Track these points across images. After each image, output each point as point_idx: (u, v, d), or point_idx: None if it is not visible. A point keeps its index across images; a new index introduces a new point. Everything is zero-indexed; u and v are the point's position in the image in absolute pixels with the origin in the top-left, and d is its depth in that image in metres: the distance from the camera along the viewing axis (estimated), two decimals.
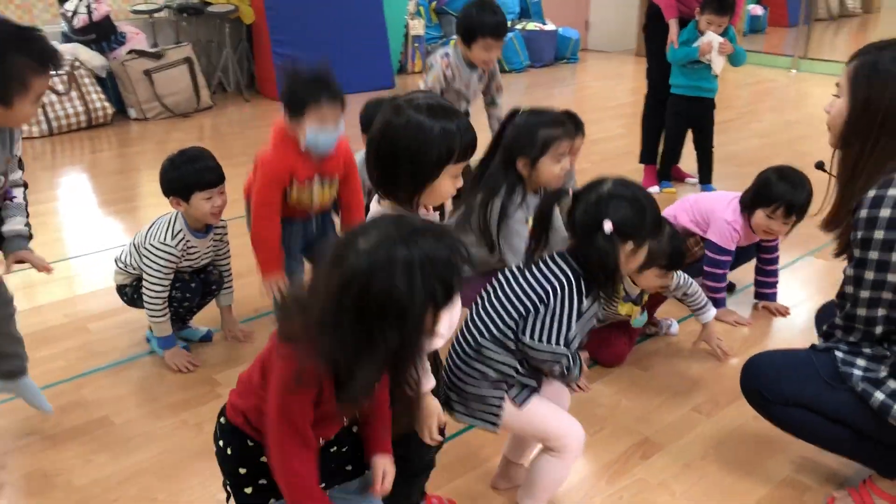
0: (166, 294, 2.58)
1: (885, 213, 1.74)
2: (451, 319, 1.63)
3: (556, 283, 1.77)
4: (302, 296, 1.35)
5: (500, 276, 1.88)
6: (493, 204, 2.40)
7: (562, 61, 8.33)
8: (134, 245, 2.65)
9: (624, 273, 1.86)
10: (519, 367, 1.79)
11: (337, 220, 2.91)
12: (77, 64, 5.58)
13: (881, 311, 1.81)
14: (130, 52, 5.84)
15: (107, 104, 5.67)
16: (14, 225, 2.15)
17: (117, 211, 4.22)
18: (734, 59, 3.96)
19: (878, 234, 1.75)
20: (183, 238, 2.56)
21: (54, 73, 1.91)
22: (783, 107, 6.69)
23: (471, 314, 1.86)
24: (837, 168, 1.94)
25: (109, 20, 5.85)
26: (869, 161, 1.83)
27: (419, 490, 1.87)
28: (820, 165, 2.10)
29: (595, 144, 5.12)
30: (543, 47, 8.07)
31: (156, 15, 6.35)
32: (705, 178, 4.25)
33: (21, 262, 2.17)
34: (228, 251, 2.79)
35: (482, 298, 1.86)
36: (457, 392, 1.83)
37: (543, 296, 1.77)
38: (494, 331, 1.78)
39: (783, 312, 3.05)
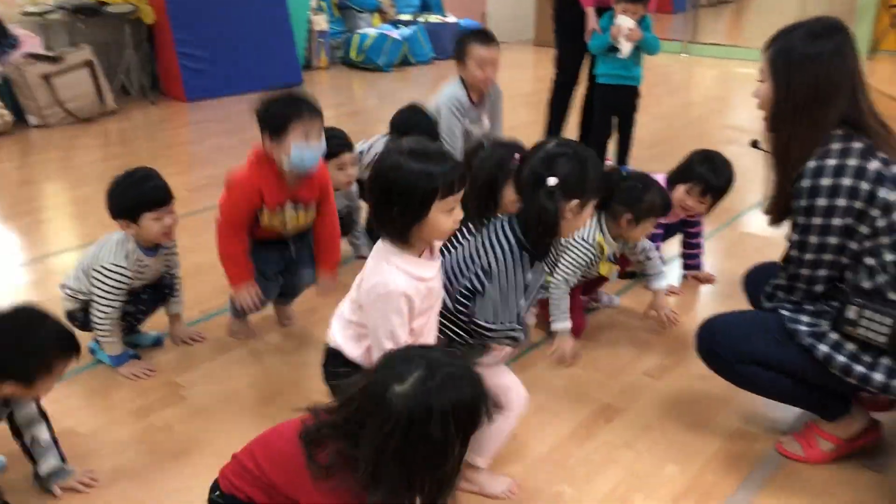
0: (118, 315, 2.53)
1: (825, 181, 1.92)
2: None
3: (500, 254, 1.89)
4: (334, 432, 1.42)
5: (451, 245, 1.98)
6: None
7: None
8: (82, 269, 2.56)
9: (569, 233, 2.00)
10: (469, 337, 1.92)
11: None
12: None
13: (822, 272, 1.99)
14: (26, 56, 5.58)
15: (4, 111, 5.41)
16: (49, 463, 2.06)
17: (22, 225, 4.03)
18: (646, 47, 4.14)
19: (821, 202, 1.93)
20: (136, 257, 2.52)
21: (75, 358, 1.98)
22: (678, 90, 7.03)
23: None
24: (772, 147, 2.09)
25: (0, 23, 5.58)
26: (798, 139, 2.00)
27: None
28: (755, 144, 2.28)
29: (505, 132, 5.26)
30: (446, 39, 8.17)
31: (48, 16, 6.08)
32: (622, 161, 4.46)
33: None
34: (178, 262, 2.74)
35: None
36: None
37: (487, 267, 1.89)
38: (448, 307, 1.91)
39: (710, 280, 3.27)
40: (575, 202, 1.89)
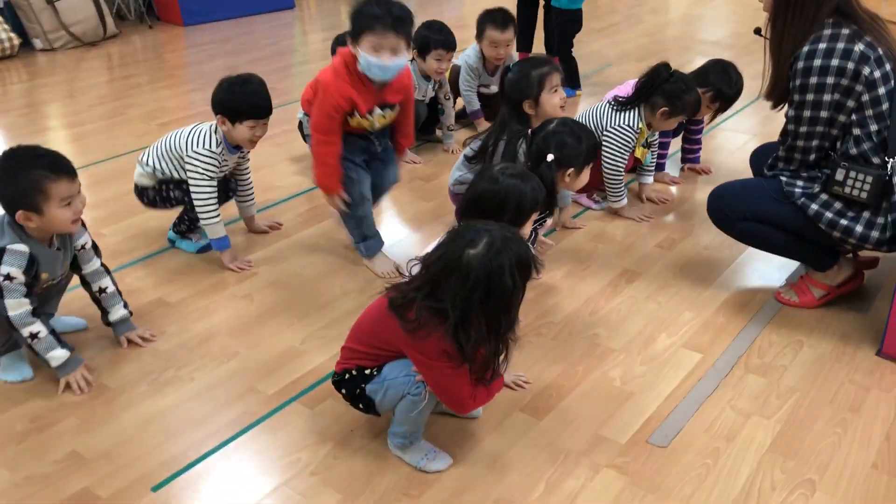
0: (216, 195, 2.73)
1: (817, 62, 2.25)
2: None
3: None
4: (417, 294, 1.72)
5: None
6: (499, 146, 2.79)
7: None
8: (169, 151, 2.76)
9: (570, 187, 2.56)
10: None
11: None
12: None
13: (815, 143, 2.34)
14: None
15: (12, 35, 5.53)
16: (117, 313, 2.36)
17: (44, 140, 4.27)
18: None
19: (812, 80, 2.26)
20: (222, 149, 2.74)
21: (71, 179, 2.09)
22: (659, 9, 7.30)
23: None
24: (771, 38, 2.42)
25: None
26: (793, 30, 2.32)
27: None
28: (757, 31, 2.60)
29: None
30: None
31: None
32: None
33: (130, 340, 2.39)
34: (248, 167, 2.96)
35: None
36: None
37: None
38: None
39: (707, 171, 3.63)
40: (570, 171, 2.47)
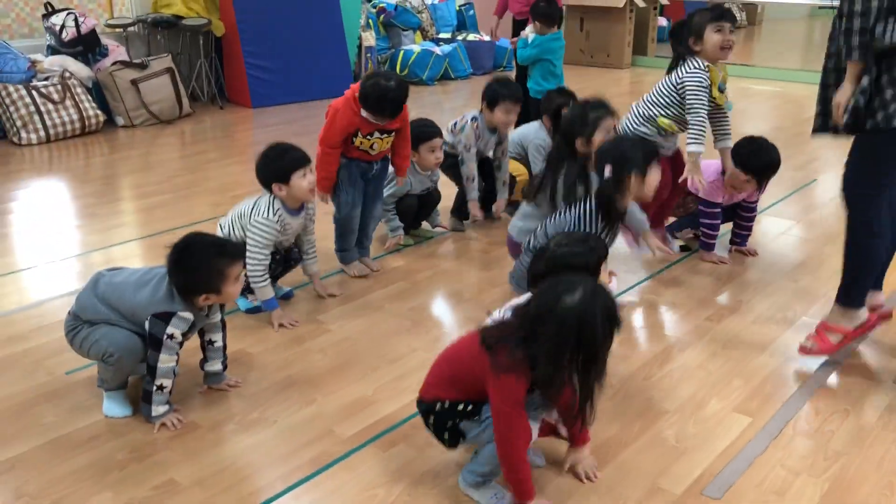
0: (268, 262, 3.00)
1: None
2: None
3: (588, 225, 2.67)
4: (511, 337, 1.89)
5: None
6: (558, 181, 3.06)
7: (499, 69, 9.05)
8: (237, 220, 3.05)
9: (636, 198, 2.73)
10: None
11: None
12: (68, 74, 5.87)
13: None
14: (116, 62, 6.16)
15: (98, 112, 5.98)
16: (214, 366, 2.59)
17: (124, 210, 4.60)
18: None
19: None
20: (280, 216, 3.01)
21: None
22: None
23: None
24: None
25: (95, 33, 6.16)
26: None
27: None
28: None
29: None
30: (483, 56, 8.79)
31: (129, 29, 6.67)
32: None
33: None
34: (313, 228, 3.23)
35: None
36: None
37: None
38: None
39: (753, 253, 3.79)
40: (632, 175, 2.65)
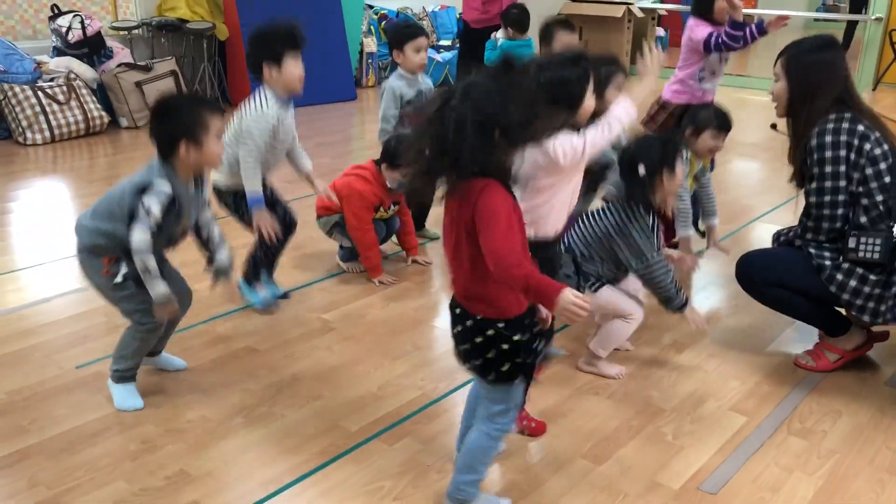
0: (259, 165, 2.94)
1: (827, 138, 2.59)
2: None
3: (625, 215, 2.63)
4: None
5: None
6: None
7: None
8: (234, 141, 2.96)
9: (667, 192, 2.68)
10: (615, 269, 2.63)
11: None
12: (73, 76, 5.93)
13: (840, 211, 2.60)
14: (120, 65, 6.22)
15: (103, 113, 6.03)
16: (221, 257, 2.58)
17: None
18: None
19: (827, 154, 2.59)
20: (275, 108, 2.94)
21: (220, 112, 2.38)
22: None
23: (571, 241, 2.66)
24: (788, 128, 2.82)
25: (100, 36, 6.22)
26: (805, 119, 2.69)
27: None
28: (773, 126, 2.93)
29: None
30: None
31: (133, 32, 6.73)
32: None
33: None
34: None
35: (581, 226, 2.70)
36: None
37: (619, 226, 2.62)
38: (594, 259, 2.68)
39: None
40: (664, 172, 2.62)
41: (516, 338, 1.83)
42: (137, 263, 2.32)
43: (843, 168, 2.57)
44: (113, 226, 2.36)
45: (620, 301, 2.70)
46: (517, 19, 5.15)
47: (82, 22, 6.06)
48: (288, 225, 3.21)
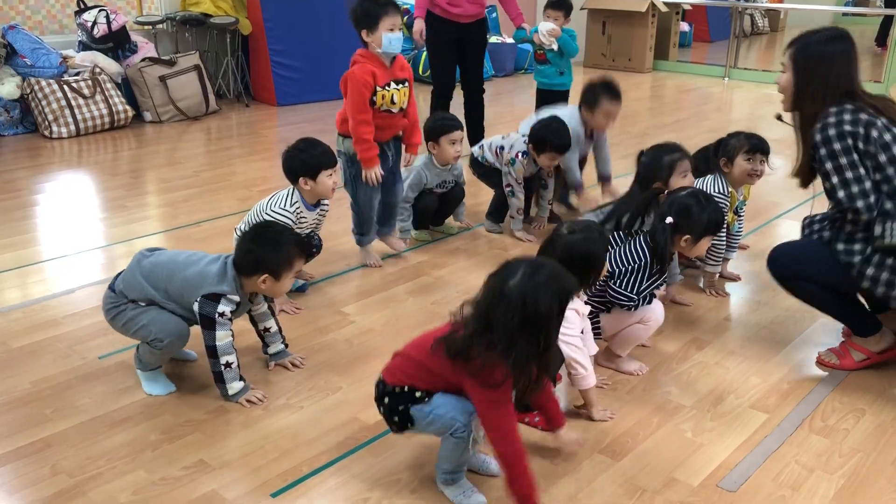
0: None
1: (831, 132, 2.51)
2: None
3: (639, 260, 2.62)
4: (474, 335, 1.88)
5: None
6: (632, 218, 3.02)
7: (520, 71, 9.11)
8: (254, 216, 3.11)
9: (688, 254, 2.74)
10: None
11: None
12: (98, 70, 5.99)
13: (872, 197, 2.50)
14: (145, 59, 6.27)
15: (128, 107, 6.09)
16: (276, 348, 2.74)
17: (155, 201, 4.70)
18: (565, 47, 4.80)
19: (836, 146, 2.50)
20: (298, 208, 3.08)
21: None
22: (723, 108, 7.64)
23: None
24: (793, 120, 2.74)
25: (125, 30, 6.28)
26: (811, 112, 2.61)
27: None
28: (778, 117, 2.86)
29: None
30: (505, 58, 8.85)
31: (158, 26, 6.79)
32: None
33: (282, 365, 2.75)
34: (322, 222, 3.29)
35: None
36: None
37: (630, 265, 2.61)
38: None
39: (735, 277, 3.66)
40: (687, 237, 2.64)
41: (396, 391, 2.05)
42: (221, 362, 2.45)
43: (855, 156, 2.49)
44: (162, 302, 2.48)
45: (634, 315, 2.67)
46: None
47: (107, 17, 6.11)
48: (311, 251, 3.25)
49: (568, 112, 4.06)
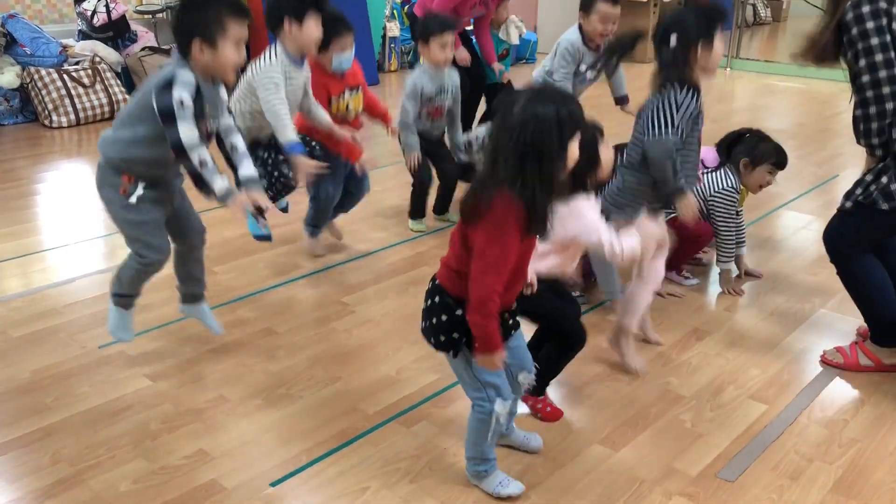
0: (286, 103, 2.95)
1: (864, 9, 2.36)
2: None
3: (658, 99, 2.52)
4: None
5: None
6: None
7: (521, 61, 9.08)
8: (243, 94, 3.04)
9: (704, 69, 2.52)
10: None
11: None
12: (98, 59, 5.98)
13: None
14: (144, 48, 6.26)
15: (127, 96, 6.07)
16: (247, 170, 2.47)
17: None
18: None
19: (869, 24, 2.35)
20: (282, 62, 2.96)
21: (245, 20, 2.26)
22: (725, 98, 7.61)
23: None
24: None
25: (125, 19, 6.26)
26: None
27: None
28: None
29: None
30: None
31: (157, 15, 6.77)
32: None
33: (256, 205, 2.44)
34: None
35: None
36: None
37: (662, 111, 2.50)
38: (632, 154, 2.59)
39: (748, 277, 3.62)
40: (700, 46, 2.45)
41: (458, 312, 1.91)
42: (193, 159, 2.22)
43: (888, 38, 2.33)
44: (134, 130, 2.32)
45: (648, 231, 2.57)
46: None
47: (107, 6, 6.10)
48: (292, 180, 3.18)
49: (569, 31, 3.94)
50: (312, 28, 2.97)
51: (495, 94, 5.26)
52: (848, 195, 2.55)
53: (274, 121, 2.97)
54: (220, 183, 2.29)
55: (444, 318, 1.94)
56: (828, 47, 2.49)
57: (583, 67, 3.93)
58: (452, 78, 3.83)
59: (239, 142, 2.51)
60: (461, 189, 4.04)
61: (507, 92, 1.81)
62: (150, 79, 2.33)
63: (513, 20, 5.04)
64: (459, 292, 1.91)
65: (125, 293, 2.55)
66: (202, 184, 2.28)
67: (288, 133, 2.96)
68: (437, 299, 1.96)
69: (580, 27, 3.87)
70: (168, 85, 2.20)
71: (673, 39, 2.47)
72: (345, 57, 3.29)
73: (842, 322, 3.07)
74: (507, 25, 5.04)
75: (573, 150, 1.84)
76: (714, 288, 3.39)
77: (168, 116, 2.20)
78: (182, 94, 2.19)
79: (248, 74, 3.07)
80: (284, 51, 3.01)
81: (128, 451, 2.24)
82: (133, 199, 2.39)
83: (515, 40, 5.10)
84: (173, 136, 2.20)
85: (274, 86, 2.96)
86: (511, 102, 1.81)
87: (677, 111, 2.49)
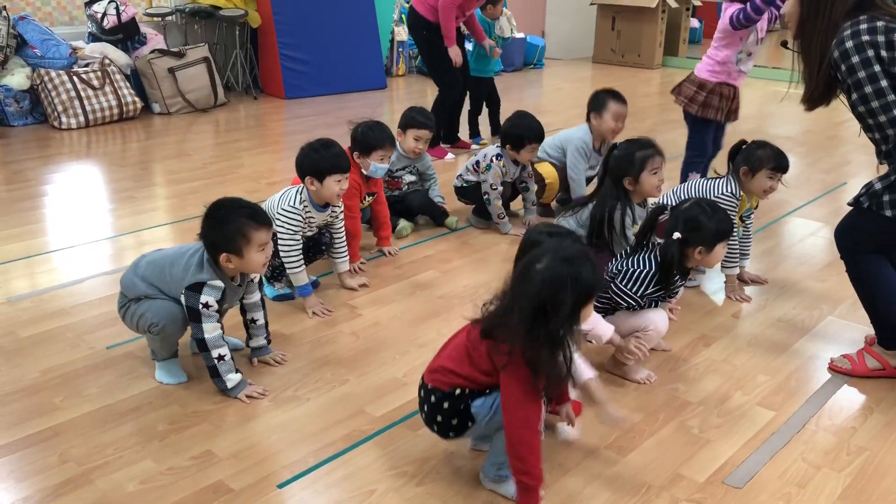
0: (300, 248, 3.05)
1: (849, 44, 2.39)
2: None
3: (647, 267, 2.61)
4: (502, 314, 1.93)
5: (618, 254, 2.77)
6: (607, 215, 3.11)
7: (529, 66, 9.09)
8: (270, 211, 3.05)
9: (696, 265, 2.66)
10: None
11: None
12: (107, 62, 6.00)
13: (894, 112, 2.36)
14: (154, 51, 6.28)
15: (136, 98, 6.10)
16: (258, 342, 2.71)
17: (146, 196, 4.71)
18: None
19: (854, 59, 2.39)
20: (306, 207, 3.08)
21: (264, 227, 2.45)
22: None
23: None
24: (800, 47, 2.60)
25: (135, 22, 6.29)
26: (818, 35, 2.49)
27: None
28: (784, 44, 2.80)
29: None
30: (514, 53, 8.83)
31: (167, 18, 6.79)
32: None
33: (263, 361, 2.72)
34: (342, 227, 3.28)
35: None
36: None
37: (638, 269, 2.61)
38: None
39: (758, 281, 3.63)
40: (700, 248, 2.58)
41: (457, 392, 2.05)
42: (213, 354, 2.43)
43: (877, 68, 2.36)
44: (158, 294, 2.50)
45: (634, 320, 2.64)
46: None
47: (117, 8, 6.12)
48: (320, 247, 3.26)
49: (576, 128, 4.16)
50: (331, 186, 3.05)
51: (490, 87, 5.76)
52: (859, 196, 2.56)
53: (287, 263, 3.07)
54: (233, 377, 2.49)
55: (445, 405, 2.06)
56: (822, 98, 2.62)
57: (590, 163, 4.16)
58: (423, 161, 4.11)
59: (260, 317, 2.69)
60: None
61: (534, 240, 1.98)
62: (183, 256, 2.48)
63: (506, 13, 5.72)
64: (452, 381, 2.04)
65: (165, 357, 2.60)
66: (215, 373, 2.47)
67: (298, 278, 3.09)
68: (432, 399, 2.07)
69: (590, 127, 4.07)
70: (197, 287, 2.40)
71: (675, 234, 2.56)
72: (381, 167, 3.47)
73: (850, 329, 3.06)
74: (501, 20, 5.68)
75: (585, 314, 1.96)
76: (721, 295, 3.38)
77: (194, 315, 2.41)
78: (209, 299, 2.40)
79: (272, 201, 3.14)
80: (309, 199, 3.11)
81: (135, 451, 2.25)
82: (153, 329, 2.52)
83: (508, 33, 5.83)
84: (197, 333, 2.42)
85: (290, 231, 3.05)
86: (537, 256, 1.91)
87: (651, 284, 2.61)
